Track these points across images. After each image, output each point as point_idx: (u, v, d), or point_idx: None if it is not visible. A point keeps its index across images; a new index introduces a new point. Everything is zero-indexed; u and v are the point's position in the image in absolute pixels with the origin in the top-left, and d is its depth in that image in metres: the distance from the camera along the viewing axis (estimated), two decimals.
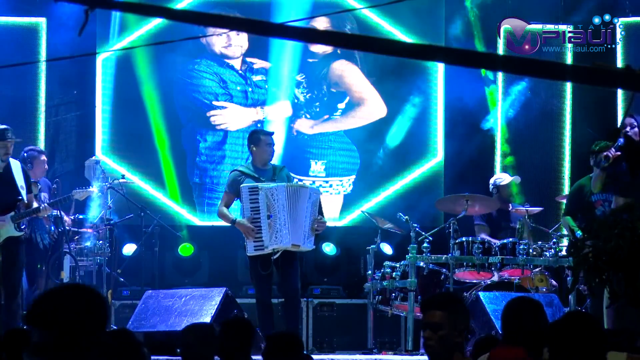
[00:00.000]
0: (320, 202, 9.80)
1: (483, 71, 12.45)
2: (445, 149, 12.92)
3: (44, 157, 11.10)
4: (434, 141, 12.99)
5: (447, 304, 5.06)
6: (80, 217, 11.29)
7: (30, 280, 10.88)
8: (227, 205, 9.82)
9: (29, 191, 10.11)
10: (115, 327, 10.59)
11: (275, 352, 5.43)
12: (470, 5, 12.69)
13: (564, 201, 11.99)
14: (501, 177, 11.71)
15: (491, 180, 11.64)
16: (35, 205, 10.02)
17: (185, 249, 12.47)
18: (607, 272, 5.83)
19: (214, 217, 12.88)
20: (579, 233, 7.45)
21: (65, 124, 12.67)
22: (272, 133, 10.16)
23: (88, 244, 11.08)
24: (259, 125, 12.92)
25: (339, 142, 13.11)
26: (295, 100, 13.07)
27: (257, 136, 9.92)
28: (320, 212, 9.83)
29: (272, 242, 9.48)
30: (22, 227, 9.96)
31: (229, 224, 9.83)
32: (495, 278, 10.51)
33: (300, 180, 12.22)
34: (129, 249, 12.02)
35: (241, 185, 9.60)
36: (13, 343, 6.19)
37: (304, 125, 13.03)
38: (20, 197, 9.95)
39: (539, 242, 10.71)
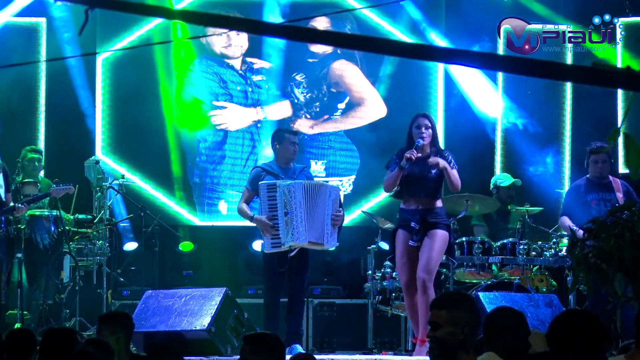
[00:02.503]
0: (340, 199, 9.74)
1: None
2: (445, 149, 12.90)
3: (31, 155, 11.07)
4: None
5: (446, 303, 5.04)
6: (80, 217, 11.29)
7: (30, 280, 10.89)
8: (247, 202, 9.75)
9: (7, 190, 10.14)
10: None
11: (253, 352, 5.36)
12: None
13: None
14: (502, 178, 11.71)
15: (492, 180, 11.67)
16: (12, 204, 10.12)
17: (186, 245, 12.48)
18: (607, 272, 5.83)
19: (214, 217, 12.90)
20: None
21: (65, 124, 12.66)
22: (297, 132, 10.12)
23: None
24: (258, 125, 12.92)
25: (339, 142, 13.10)
26: (295, 100, 13.07)
27: (282, 134, 9.89)
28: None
29: (289, 239, 9.41)
30: (2, 225, 10.02)
31: (246, 220, 9.78)
32: (495, 278, 10.53)
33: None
34: (130, 246, 12.02)
35: (259, 182, 9.57)
36: (16, 343, 6.21)
37: (304, 125, 13.03)
38: None
39: (539, 242, 10.71)
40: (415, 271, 9.07)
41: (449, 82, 12.95)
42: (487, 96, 12.94)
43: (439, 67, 12.98)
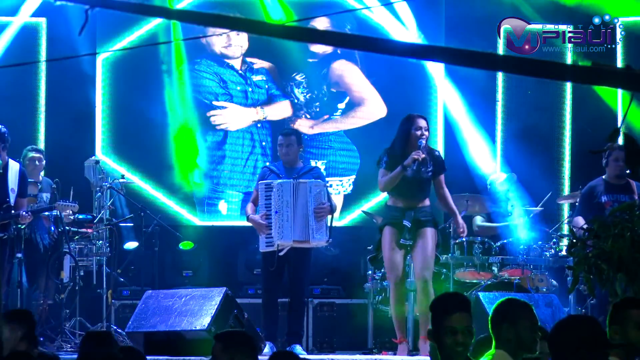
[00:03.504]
0: (326, 193, 9.69)
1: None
2: (445, 149, 12.92)
3: (32, 155, 11.09)
4: (433, 141, 12.96)
5: (469, 305, 5.03)
6: (80, 217, 11.28)
7: (30, 280, 10.88)
8: (255, 202, 9.79)
9: (21, 195, 10.11)
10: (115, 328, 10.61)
11: (225, 350, 5.32)
12: None
13: (564, 202, 12.01)
14: (496, 176, 11.77)
15: (488, 180, 11.73)
16: (23, 209, 10.09)
17: (186, 244, 12.48)
18: (607, 272, 5.84)
19: (214, 217, 12.90)
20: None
21: (65, 124, 12.65)
22: (288, 133, 10.01)
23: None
24: (258, 125, 12.92)
25: (339, 142, 13.10)
26: (295, 100, 13.07)
27: (278, 136, 10.00)
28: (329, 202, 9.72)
29: (278, 238, 9.45)
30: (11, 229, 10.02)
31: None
32: (495, 278, 10.53)
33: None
34: (130, 245, 12.01)
35: (259, 182, 9.60)
36: None
37: (304, 125, 13.02)
38: (7, 200, 9.99)
39: (539, 242, 10.71)
40: (404, 268, 9.19)
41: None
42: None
43: (439, 68, 12.98)
